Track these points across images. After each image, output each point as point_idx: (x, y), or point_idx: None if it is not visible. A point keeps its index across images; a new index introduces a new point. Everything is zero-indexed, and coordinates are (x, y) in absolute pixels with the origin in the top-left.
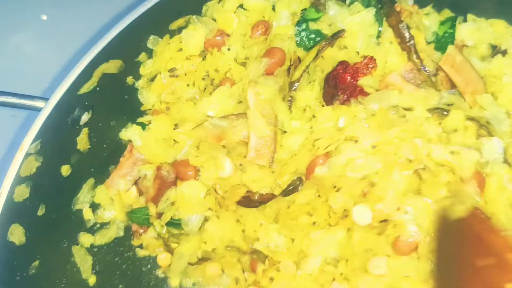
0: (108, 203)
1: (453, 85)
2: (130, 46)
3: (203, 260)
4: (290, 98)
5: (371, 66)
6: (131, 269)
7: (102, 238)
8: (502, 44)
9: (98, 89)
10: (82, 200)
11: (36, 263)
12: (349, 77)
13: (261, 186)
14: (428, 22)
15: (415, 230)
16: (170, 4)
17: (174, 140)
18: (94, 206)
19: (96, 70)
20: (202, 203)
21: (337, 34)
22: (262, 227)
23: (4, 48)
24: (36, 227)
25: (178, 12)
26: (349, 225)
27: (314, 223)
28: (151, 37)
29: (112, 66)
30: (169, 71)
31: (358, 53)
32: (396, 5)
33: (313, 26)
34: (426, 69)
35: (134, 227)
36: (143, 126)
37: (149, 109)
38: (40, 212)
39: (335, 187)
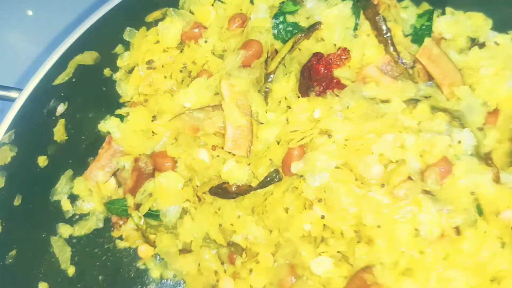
0: (87, 194)
1: (430, 77)
2: (105, 37)
3: (183, 251)
4: (266, 90)
5: (344, 57)
6: (111, 261)
7: (81, 229)
8: (480, 36)
9: (74, 80)
10: (60, 191)
11: (13, 252)
12: (322, 68)
13: (238, 177)
14: (406, 15)
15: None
16: None
17: (153, 132)
18: (73, 197)
19: (71, 61)
20: (180, 194)
21: (313, 27)
22: (239, 219)
23: None
24: (12, 217)
25: (155, 5)
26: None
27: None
28: (127, 29)
29: (87, 58)
30: (146, 63)
31: (335, 45)
32: None
33: (290, 18)
34: (403, 61)
35: (114, 218)
36: (122, 118)
37: (128, 101)
38: (17, 202)
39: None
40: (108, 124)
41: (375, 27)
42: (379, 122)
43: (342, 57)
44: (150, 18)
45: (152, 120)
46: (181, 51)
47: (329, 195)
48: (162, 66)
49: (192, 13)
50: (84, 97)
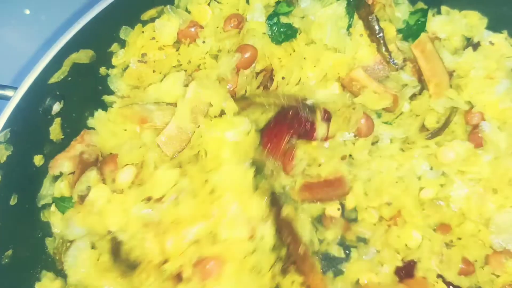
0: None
1: (419, 77)
2: (101, 36)
3: None
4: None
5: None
6: None
7: None
8: (475, 36)
9: (69, 79)
10: (46, 194)
11: (9, 252)
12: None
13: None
14: (400, 13)
15: None
16: None
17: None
18: None
19: (66, 60)
20: None
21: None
22: None
23: None
24: (8, 217)
25: (151, 2)
26: None
27: None
28: (123, 27)
29: (83, 56)
30: (140, 57)
31: (326, 45)
32: None
33: (284, 20)
34: (395, 61)
35: None
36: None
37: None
38: (13, 201)
39: None
40: (95, 120)
41: (368, 26)
42: None
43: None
44: (145, 16)
45: None
46: (177, 50)
47: None
48: (154, 61)
49: (189, 12)
50: (80, 95)
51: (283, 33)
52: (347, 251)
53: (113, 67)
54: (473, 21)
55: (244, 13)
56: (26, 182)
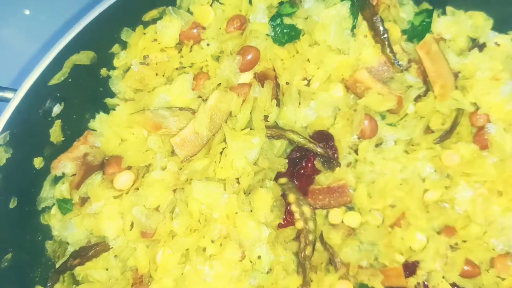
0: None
1: (424, 78)
2: (102, 37)
3: None
4: None
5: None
6: None
7: None
8: (481, 37)
9: (70, 80)
10: (46, 197)
11: (9, 256)
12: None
13: None
14: (405, 14)
15: None
16: None
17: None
18: None
19: (67, 61)
20: None
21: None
22: None
23: None
24: (8, 220)
25: (153, 3)
26: None
27: None
28: (124, 29)
29: (83, 57)
30: (142, 58)
31: (330, 47)
32: None
33: (287, 21)
34: (399, 63)
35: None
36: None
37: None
38: (12, 204)
39: None
40: (97, 123)
41: (372, 27)
42: None
43: None
44: (147, 17)
45: None
46: (179, 52)
47: None
48: (156, 64)
49: (191, 13)
50: (81, 97)
51: (286, 34)
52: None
53: (114, 68)
54: (478, 22)
55: (246, 14)
56: (26, 185)
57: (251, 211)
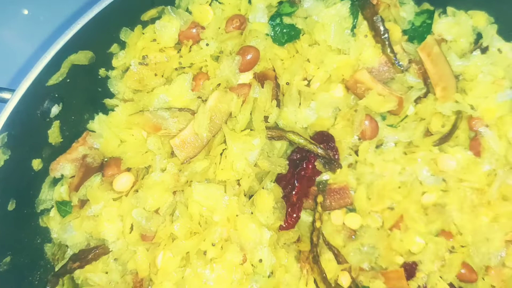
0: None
1: (425, 79)
2: (100, 36)
3: None
4: None
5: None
6: None
7: None
8: (484, 40)
9: (68, 80)
10: (45, 199)
11: (7, 259)
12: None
13: None
14: (406, 14)
15: None
16: None
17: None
18: None
19: (65, 61)
20: None
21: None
22: None
23: None
24: (6, 222)
25: (151, 2)
26: None
27: None
28: (123, 29)
29: (82, 57)
30: (141, 59)
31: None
32: None
33: (287, 20)
34: (400, 63)
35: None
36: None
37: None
38: (11, 207)
39: None
40: (96, 124)
41: (373, 27)
42: None
43: None
44: (146, 16)
45: None
46: (178, 52)
47: None
48: (155, 64)
49: (190, 12)
50: (79, 98)
51: (286, 34)
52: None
53: (113, 68)
54: (481, 22)
55: (246, 14)
56: (24, 187)
57: (252, 213)
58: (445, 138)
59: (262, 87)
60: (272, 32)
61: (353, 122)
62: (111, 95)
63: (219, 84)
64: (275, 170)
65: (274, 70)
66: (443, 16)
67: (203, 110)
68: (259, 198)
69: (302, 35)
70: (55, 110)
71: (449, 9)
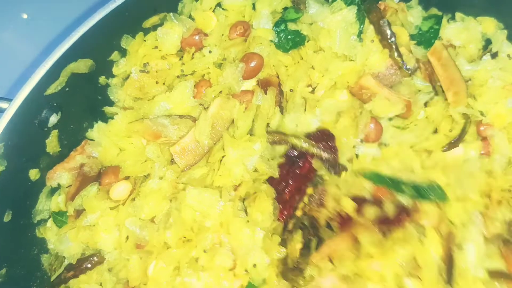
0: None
1: (432, 82)
2: (101, 44)
3: None
4: None
5: None
6: None
7: None
8: (494, 46)
9: (67, 89)
10: (42, 209)
11: (3, 271)
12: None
13: None
14: (413, 18)
15: None
16: (145, 1)
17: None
18: None
19: (64, 70)
20: None
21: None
22: None
23: None
24: (2, 234)
25: (154, 10)
26: None
27: None
28: (124, 36)
29: (81, 66)
30: (142, 66)
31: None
32: (380, 2)
33: (292, 26)
34: (407, 67)
35: None
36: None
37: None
38: (7, 218)
39: None
40: (95, 132)
41: (379, 31)
42: None
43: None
44: (147, 24)
45: None
46: (180, 59)
47: None
48: (156, 72)
49: (193, 19)
50: (78, 106)
51: (291, 40)
52: None
53: (113, 76)
54: (490, 28)
55: (250, 20)
56: (21, 197)
57: (246, 217)
58: (454, 143)
59: (265, 93)
60: (277, 39)
61: (357, 121)
62: (111, 103)
63: (221, 91)
64: (271, 173)
65: (278, 77)
66: (451, 21)
67: (205, 117)
68: (258, 201)
69: (307, 41)
70: (53, 119)
71: (458, 15)
